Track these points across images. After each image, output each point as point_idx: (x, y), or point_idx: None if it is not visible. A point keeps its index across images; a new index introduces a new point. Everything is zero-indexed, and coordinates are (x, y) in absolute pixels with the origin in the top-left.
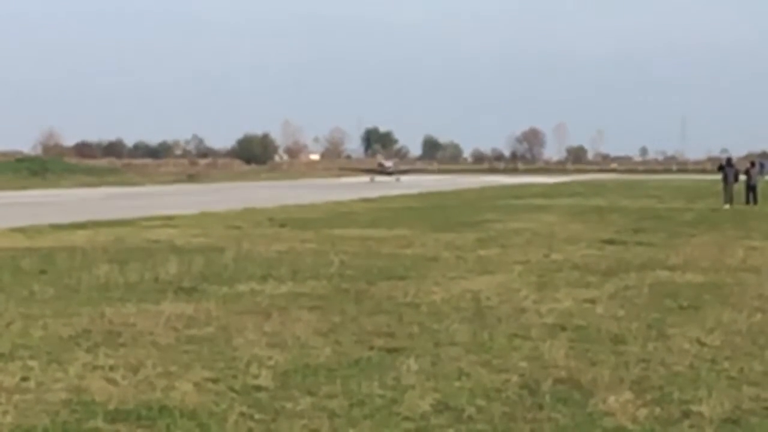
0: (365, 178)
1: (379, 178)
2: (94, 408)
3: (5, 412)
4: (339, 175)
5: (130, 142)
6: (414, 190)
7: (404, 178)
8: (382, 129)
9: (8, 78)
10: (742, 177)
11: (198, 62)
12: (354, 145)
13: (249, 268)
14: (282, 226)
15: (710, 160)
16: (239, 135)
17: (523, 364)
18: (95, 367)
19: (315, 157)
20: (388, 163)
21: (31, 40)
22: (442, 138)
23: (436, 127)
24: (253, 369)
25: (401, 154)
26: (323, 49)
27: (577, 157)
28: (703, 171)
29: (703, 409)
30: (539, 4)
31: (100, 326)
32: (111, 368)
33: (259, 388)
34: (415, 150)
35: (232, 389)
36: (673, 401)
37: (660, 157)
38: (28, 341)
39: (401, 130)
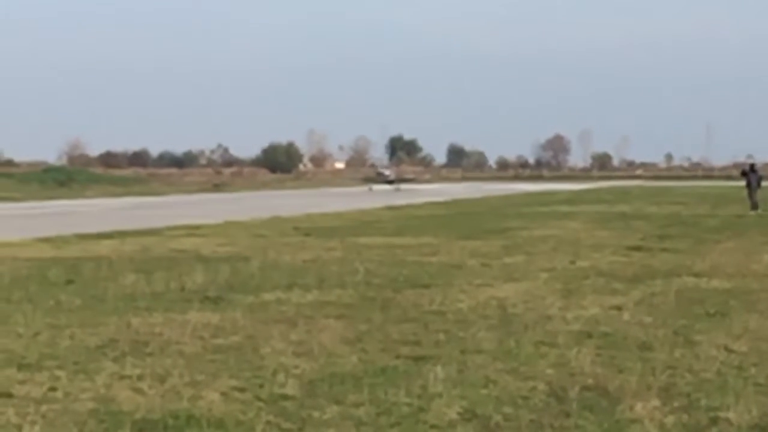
0: (364, 188)
1: (377, 187)
2: (121, 418)
3: (33, 423)
4: (339, 184)
5: (155, 151)
6: (439, 198)
7: (405, 186)
8: (407, 137)
9: (34, 88)
10: (765, 183)
11: (222, 72)
12: (379, 153)
13: (275, 277)
14: (307, 234)
15: (735, 166)
16: (264, 144)
17: (550, 371)
18: (122, 377)
19: (340, 165)
20: (388, 172)
21: (56, 51)
22: (467, 145)
23: (461, 134)
24: (280, 378)
25: (426, 162)
26: (347, 57)
27: (602, 163)
28: (729, 177)
29: (731, 415)
30: (562, 10)
31: (126, 336)
32: (138, 378)
33: (285, 397)
34: (440, 158)
35: (258, 398)
36: (700, 408)
37: (685, 164)
38: (55, 351)
39: (426, 137)
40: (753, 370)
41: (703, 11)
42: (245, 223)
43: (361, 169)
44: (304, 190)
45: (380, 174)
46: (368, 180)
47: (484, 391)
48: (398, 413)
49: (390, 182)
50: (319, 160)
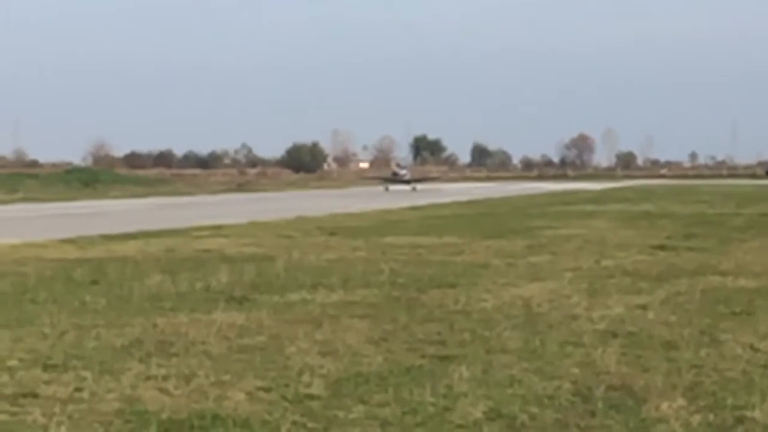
0: (380, 188)
1: (393, 187)
2: (147, 418)
3: (59, 423)
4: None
5: (179, 152)
6: (463, 198)
7: (421, 186)
8: (431, 136)
9: (58, 89)
10: None
11: (247, 72)
12: (403, 153)
13: (300, 277)
14: (332, 234)
15: (760, 164)
16: (288, 144)
17: (575, 370)
18: (148, 377)
19: (364, 165)
20: (403, 171)
21: (81, 52)
22: (491, 145)
23: (486, 134)
24: (305, 378)
25: (450, 162)
26: (372, 57)
27: (626, 162)
28: (753, 176)
29: (757, 415)
30: (587, 8)
31: (152, 336)
32: (164, 378)
33: (311, 397)
34: (464, 157)
35: (284, 398)
36: (726, 407)
37: (710, 162)
38: (81, 352)
39: (450, 137)
40: None
41: (728, 8)
42: (270, 223)
43: (384, 169)
44: (327, 191)
45: (396, 174)
46: (384, 180)
47: (510, 391)
48: (423, 413)
49: (406, 182)
50: (343, 160)
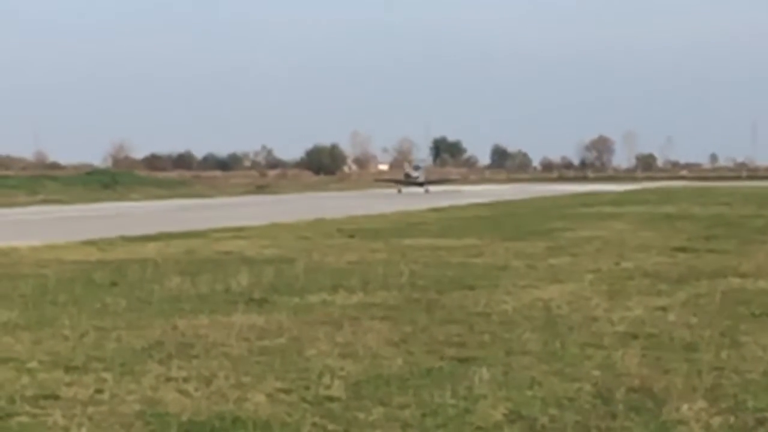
0: (392, 190)
1: (406, 189)
2: (167, 420)
3: (80, 425)
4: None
5: (199, 154)
6: (483, 199)
7: (435, 188)
8: (451, 138)
9: (79, 91)
10: None
11: (266, 73)
12: (423, 155)
13: (319, 279)
14: (351, 236)
15: None
16: (308, 146)
17: (596, 372)
18: (168, 379)
19: (384, 167)
20: (416, 173)
21: (101, 55)
22: (511, 147)
23: (505, 135)
24: (326, 379)
25: (470, 163)
26: (391, 58)
27: (646, 164)
28: None
29: None
30: (606, 11)
31: (172, 338)
32: (184, 380)
33: (331, 399)
34: (484, 159)
35: (304, 400)
36: (747, 409)
37: (730, 164)
38: (102, 353)
39: (470, 139)
40: None
41: (747, 10)
42: (290, 225)
43: (400, 172)
44: (348, 192)
45: (408, 176)
46: (396, 182)
47: (530, 393)
48: (444, 415)
49: (419, 184)
50: (362, 162)
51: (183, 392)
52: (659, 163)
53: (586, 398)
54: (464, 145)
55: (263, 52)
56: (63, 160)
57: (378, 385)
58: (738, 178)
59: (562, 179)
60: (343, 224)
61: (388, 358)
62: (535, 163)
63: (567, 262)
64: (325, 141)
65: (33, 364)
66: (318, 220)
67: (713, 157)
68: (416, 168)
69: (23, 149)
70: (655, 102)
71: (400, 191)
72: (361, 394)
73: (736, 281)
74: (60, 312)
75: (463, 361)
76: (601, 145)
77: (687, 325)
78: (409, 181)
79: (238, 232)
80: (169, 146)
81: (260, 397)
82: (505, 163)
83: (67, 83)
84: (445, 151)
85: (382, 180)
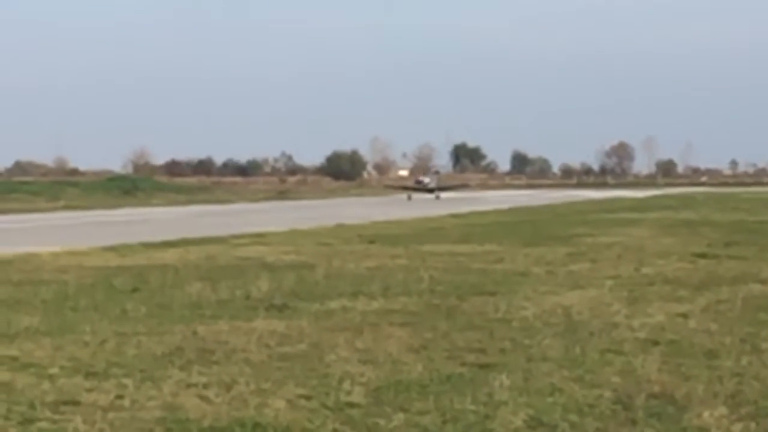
0: (403, 196)
1: (417, 195)
2: (188, 426)
3: (100, 430)
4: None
5: (219, 160)
6: (504, 206)
7: (445, 195)
8: (471, 144)
9: (100, 98)
10: None
11: (286, 80)
12: (443, 161)
13: (340, 285)
14: (371, 242)
15: None
16: (328, 152)
17: (616, 379)
18: (189, 385)
19: (404, 173)
20: (427, 179)
21: (120, 61)
22: (531, 153)
23: (525, 141)
24: (346, 385)
25: (490, 169)
26: (411, 64)
27: (666, 170)
28: None
29: None
30: (625, 17)
31: (192, 344)
32: (204, 386)
33: (351, 405)
34: (504, 165)
35: (325, 406)
36: None
37: (750, 170)
38: (122, 359)
39: (490, 144)
40: None
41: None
42: (310, 231)
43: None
44: (367, 198)
45: (419, 182)
46: (406, 188)
47: (550, 399)
48: (464, 421)
49: (429, 191)
50: (383, 168)
51: (203, 398)
52: (679, 169)
53: (606, 405)
54: (484, 150)
55: (284, 59)
56: (83, 167)
57: (398, 391)
58: (759, 183)
59: (581, 185)
60: (363, 230)
61: (409, 364)
62: (555, 169)
63: (587, 268)
64: (346, 147)
65: (54, 370)
66: (338, 225)
67: (733, 163)
68: (435, 173)
69: (44, 155)
70: (675, 108)
71: (410, 198)
72: (381, 401)
73: (756, 287)
74: (80, 318)
75: (483, 367)
76: (621, 151)
77: (707, 331)
78: (419, 187)
79: (259, 238)
80: (189, 152)
81: (281, 403)
82: (525, 169)
83: (88, 89)
84: (465, 156)
85: (392, 186)
